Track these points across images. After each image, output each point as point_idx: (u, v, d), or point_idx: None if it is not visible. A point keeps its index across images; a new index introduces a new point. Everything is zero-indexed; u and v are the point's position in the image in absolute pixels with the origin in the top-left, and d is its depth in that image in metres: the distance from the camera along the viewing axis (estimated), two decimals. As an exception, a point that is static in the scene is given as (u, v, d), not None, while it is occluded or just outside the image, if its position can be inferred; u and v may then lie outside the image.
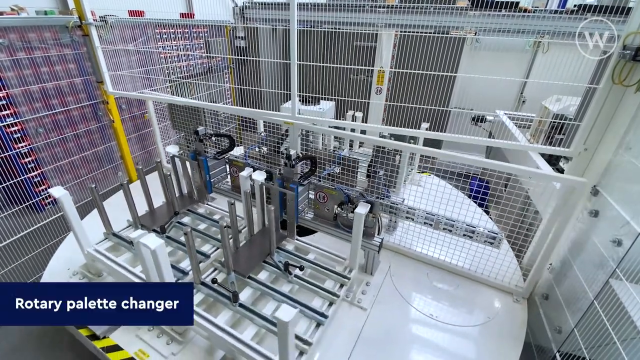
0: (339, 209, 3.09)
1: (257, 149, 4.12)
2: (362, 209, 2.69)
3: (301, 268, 2.82)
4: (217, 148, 3.99)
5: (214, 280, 2.63)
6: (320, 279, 2.87)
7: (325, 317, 2.44)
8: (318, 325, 2.43)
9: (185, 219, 3.54)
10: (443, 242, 3.18)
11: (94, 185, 2.92)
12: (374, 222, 2.92)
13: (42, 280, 3.08)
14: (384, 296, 2.95)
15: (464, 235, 2.99)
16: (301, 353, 2.21)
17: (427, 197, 3.10)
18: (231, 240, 2.97)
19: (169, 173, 3.31)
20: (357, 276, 2.98)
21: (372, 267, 3.12)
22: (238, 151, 4.50)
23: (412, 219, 3.22)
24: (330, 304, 2.61)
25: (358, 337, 2.56)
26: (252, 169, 3.25)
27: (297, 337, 2.23)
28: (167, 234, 3.21)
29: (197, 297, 2.61)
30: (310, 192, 3.39)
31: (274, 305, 2.55)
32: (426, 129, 3.72)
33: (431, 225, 3.12)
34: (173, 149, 3.65)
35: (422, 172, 4.76)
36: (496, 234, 2.87)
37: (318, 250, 3.13)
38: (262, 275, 2.83)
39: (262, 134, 4.28)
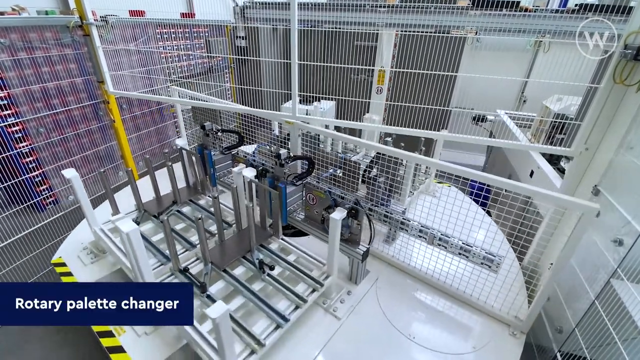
0: (326, 212, 3.02)
1: (267, 147, 4.18)
2: (338, 214, 2.57)
3: (271, 268, 2.75)
4: (230, 143, 4.12)
5: (185, 269, 2.69)
6: (295, 281, 2.79)
7: (286, 320, 2.36)
8: (278, 327, 2.36)
9: (186, 209, 3.61)
10: (437, 259, 2.95)
11: (102, 170, 3.15)
12: (359, 230, 2.81)
13: (59, 250, 3.36)
14: (362, 308, 2.80)
15: (460, 254, 2.75)
16: (252, 352, 2.20)
17: (436, 211, 2.81)
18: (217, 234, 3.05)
19: (170, 164, 3.40)
20: (336, 283, 2.90)
21: (356, 276, 3.00)
22: (251, 148, 4.52)
23: (406, 231, 3.06)
24: (297, 308, 2.52)
25: (324, 346, 2.47)
26: (244, 165, 3.28)
27: (251, 335, 2.23)
28: (163, 218, 3.31)
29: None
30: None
31: (242, 301, 2.56)
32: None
33: (425, 239, 2.93)
34: (181, 141, 3.77)
35: (441, 183, 4.42)
36: (494, 256, 2.59)
37: (299, 252, 3.04)
38: (239, 271, 2.81)
39: (274, 132, 4.33)
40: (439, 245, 2.85)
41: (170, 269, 2.77)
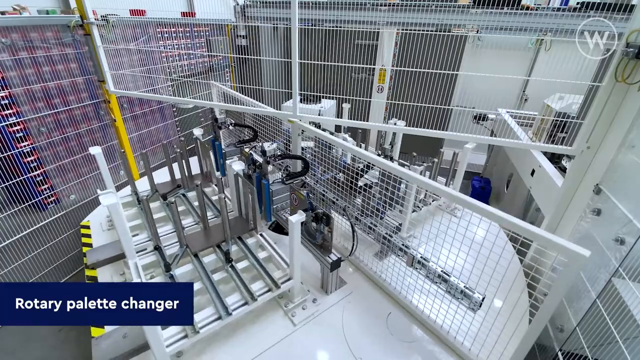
0: None
1: (285, 145, 4.28)
2: (296, 217, 2.46)
3: (229, 260, 2.80)
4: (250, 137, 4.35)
5: (157, 247, 2.85)
6: (257, 278, 2.76)
7: (228, 313, 2.37)
8: (219, 318, 2.37)
9: (191, 194, 3.85)
10: (416, 283, 2.66)
11: (122, 150, 3.41)
12: (331, 237, 2.73)
13: (89, 215, 3.92)
14: (323, 320, 2.69)
15: (438, 283, 2.46)
16: (185, 337, 2.23)
17: (437, 235, 2.37)
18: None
19: (179, 151, 3.66)
20: (304, 289, 2.89)
21: (327, 285, 2.90)
22: (268, 145, 4.55)
23: (387, 246, 2.90)
24: (245, 304, 2.49)
25: (268, 348, 2.44)
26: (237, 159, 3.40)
27: None
28: (167, 202, 3.64)
29: (151, 258, 2.88)
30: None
31: (200, 287, 2.64)
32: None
33: (404, 259, 2.72)
34: (198, 132, 3.96)
35: None
36: (473, 292, 2.22)
37: (272, 251, 3.01)
38: (209, 258, 2.88)
39: (284, 128, 4.37)
40: (418, 268, 2.62)
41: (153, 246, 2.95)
